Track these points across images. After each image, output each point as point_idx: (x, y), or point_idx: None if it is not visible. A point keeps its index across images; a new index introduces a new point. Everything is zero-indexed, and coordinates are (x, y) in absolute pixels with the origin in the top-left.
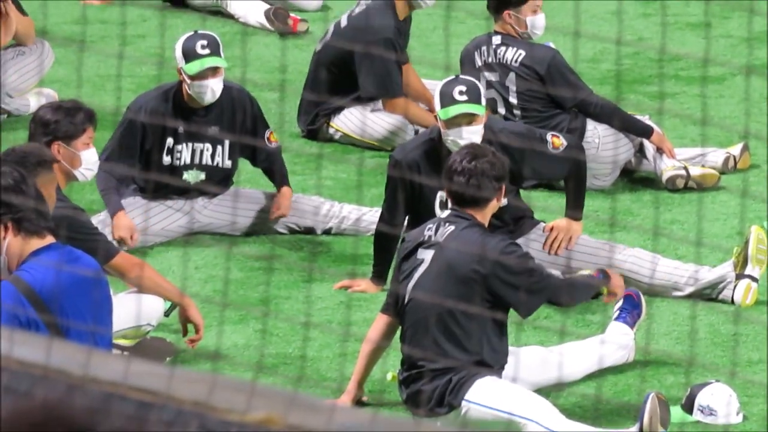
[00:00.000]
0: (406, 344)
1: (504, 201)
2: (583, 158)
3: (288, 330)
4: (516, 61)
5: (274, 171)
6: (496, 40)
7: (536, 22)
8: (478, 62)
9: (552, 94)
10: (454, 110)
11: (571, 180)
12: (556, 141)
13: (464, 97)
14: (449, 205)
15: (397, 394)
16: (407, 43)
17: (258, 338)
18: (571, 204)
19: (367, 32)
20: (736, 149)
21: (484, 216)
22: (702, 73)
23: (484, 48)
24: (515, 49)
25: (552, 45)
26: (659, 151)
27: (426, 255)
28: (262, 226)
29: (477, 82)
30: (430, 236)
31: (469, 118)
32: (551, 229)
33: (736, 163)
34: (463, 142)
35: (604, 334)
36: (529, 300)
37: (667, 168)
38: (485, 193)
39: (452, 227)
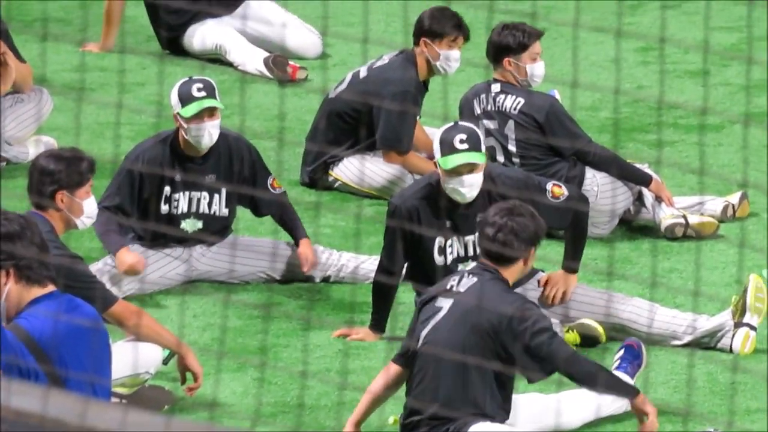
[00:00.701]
0: (412, 389)
1: None
2: (586, 209)
3: (286, 378)
4: (515, 109)
5: (286, 221)
6: (496, 87)
7: (535, 70)
8: (477, 110)
9: (550, 142)
10: (454, 160)
11: (570, 231)
12: (557, 190)
13: (465, 146)
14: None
15: None
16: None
17: (256, 387)
18: (569, 255)
19: (389, 83)
20: (734, 198)
21: (511, 274)
22: (700, 122)
23: (483, 96)
24: (514, 96)
25: (557, 93)
26: (658, 199)
27: (445, 303)
28: (260, 274)
29: (477, 129)
30: (452, 286)
31: (470, 167)
32: (546, 283)
33: (734, 212)
34: (463, 190)
35: None
36: (539, 364)
37: (666, 216)
38: (512, 252)
39: (475, 279)
